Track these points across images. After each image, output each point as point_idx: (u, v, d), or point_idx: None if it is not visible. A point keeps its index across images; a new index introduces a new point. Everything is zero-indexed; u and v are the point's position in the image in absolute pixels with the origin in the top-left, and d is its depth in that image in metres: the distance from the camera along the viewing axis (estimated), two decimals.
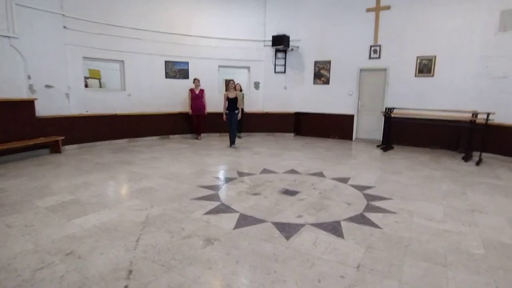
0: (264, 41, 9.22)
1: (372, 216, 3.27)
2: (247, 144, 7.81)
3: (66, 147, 6.61)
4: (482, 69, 6.69)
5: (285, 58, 9.33)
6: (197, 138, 8.56)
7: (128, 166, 5.38)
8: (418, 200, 3.80)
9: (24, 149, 5.82)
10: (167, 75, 8.50)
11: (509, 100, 6.22)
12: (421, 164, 5.87)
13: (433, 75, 7.38)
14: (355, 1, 8.18)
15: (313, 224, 3.02)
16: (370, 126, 8.60)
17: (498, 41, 6.39)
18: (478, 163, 5.91)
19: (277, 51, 9.21)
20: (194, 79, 8.24)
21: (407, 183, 4.54)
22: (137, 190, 4.03)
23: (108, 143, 7.51)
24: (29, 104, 5.91)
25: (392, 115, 7.25)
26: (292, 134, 9.57)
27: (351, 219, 3.17)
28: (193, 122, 8.52)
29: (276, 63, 9.37)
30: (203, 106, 8.35)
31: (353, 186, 4.35)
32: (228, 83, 7.33)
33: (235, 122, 7.16)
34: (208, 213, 3.29)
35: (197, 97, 8.26)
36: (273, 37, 8.84)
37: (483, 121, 5.96)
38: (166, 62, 8.41)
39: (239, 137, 8.65)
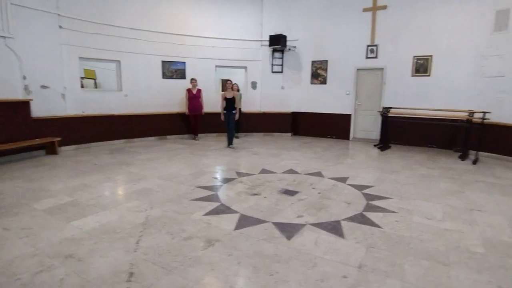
0: (261, 41, 9.21)
1: (372, 215, 3.28)
2: (245, 144, 7.80)
3: (63, 148, 6.54)
4: (478, 68, 6.75)
5: (282, 58, 9.33)
6: (194, 139, 8.53)
7: (125, 167, 5.34)
8: (417, 199, 3.81)
9: (20, 151, 5.75)
10: (164, 75, 8.45)
11: (505, 99, 6.28)
12: (418, 163, 5.90)
13: (429, 75, 7.43)
14: (352, 1, 8.20)
15: (313, 224, 3.02)
16: (367, 126, 8.63)
17: (494, 40, 6.45)
18: (474, 162, 5.96)
19: (274, 51, 9.21)
20: (191, 79, 8.20)
21: (405, 182, 4.56)
22: (135, 191, 4.00)
23: (105, 144, 7.45)
24: (24, 105, 5.84)
25: (389, 115, 7.29)
26: (289, 134, 9.57)
27: (351, 219, 3.17)
28: (190, 122, 8.49)
29: (273, 63, 9.36)
30: (200, 106, 8.31)
31: (352, 185, 4.36)
32: (225, 83, 7.32)
33: (232, 122, 7.14)
34: (208, 214, 3.27)
35: (194, 97, 8.22)
36: (270, 36, 8.84)
37: (479, 120, 6.01)
38: (163, 62, 8.36)
39: (237, 137, 8.63)
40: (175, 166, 5.40)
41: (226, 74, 10.55)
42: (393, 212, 3.39)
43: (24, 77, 5.91)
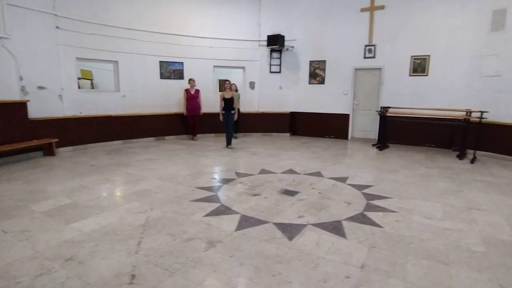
0: (259, 41, 9.21)
1: (372, 215, 3.28)
2: (244, 145, 7.79)
3: (60, 149, 6.49)
4: (475, 68, 6.80)
5: (280, 58, 9.34)
6: (192, 139, 8.51)
7: (124, 168, 5.31)
8: (417, 199, 3.83)
9: (17, 152, 5.70)
10: (162, 76, 8.42)
11: (502, 98, 6.32)
12: (417, 162, 5.93)
13: (427, 74, 7.47)
14: (349, 1, 8.22)
15: (314, 224, 3.02)
16: (365, 126, 8.66)
17: (491, 40, 6.50)
18: (472, 161, 6.00)
19: (272, 51, 9.21)
20: (190, 80, 8.18)
21: (404, 182, 4.57)
22: (135, 193, 3.98)
23: (102, 145, 7.40)
24: (21, 106, 5.79)
25: (388, 114, 7.32)
26: (288, 134, 9.58)
27: (352, 219, 3.18)
28: (189, 123, 8.46)
29: (271, 63, 9.37)
30: (198, 107, 8.29)
31: (351, 185, 4.37)
32: (224, 83, 7.30)
33: (231, 122, 7.13)
34: (208, 215, 3.26)
35: (192, 98, 8.20)
36: (268, 37, 8.84)
37: (477, 120, 6.05)
38: (160, 62, 8.33)
39: (235, 137, 8.62)
40: (174, 167, 5.38)
41: (224, 74, 10.53)
42: (393, 211, 3.40)
43: (21, 78, 5.86)
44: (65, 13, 6.52)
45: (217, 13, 8.79)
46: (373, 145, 7.81)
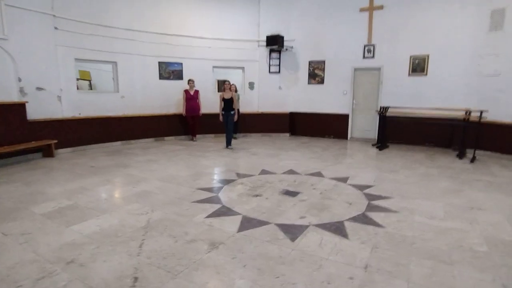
0: (258, 41, 9.20)
1: (374, 215, 3.28)
2: (243, 145, 7.78)
3: (59, 150, 6.46)
4: (474, 67, 6.81)
5: (279, 58, 9.33)
6: (192, 140, 8.49)
7: (124, 169, 5.29)
8: (418, 198, 3.83)
9: (16, 154, 5.67)
10: (161, 76, 8.40)
11: (501, 97, 6.34)
12: (417, 162, 5.93)
13: (426, 74, 7.48)
14: (348, 1, 8.22)
15: (317, 225, 3.01)
16: (364, 125, 8.67)
17: (489, 40, 6.52)
18: (472, 160, 6.01)
19: (271, 51, 9.20)
20: (189, 80, 8.16)
21: (405, 182, 4.58)
22: (135, 194, 3.96)
23: (102, 146, 7.37)
24: (20, 107, 5.75)
25: (387, 114, 7.32)
26: (287, 134, 9.57)
27: (354, 219, 3.17)
28: (188, 123, 8.44)
29: (271, 63, 9.35)
30: (198, 107, 8.27)
31: (352, 185, 4.37)
32: (223, 84, 7.29)
33: (231, 123, 7.11)
34: (210, 216, 3.25)
35: (192, 98, 8.18)
36: (267, 37, 8.83)
37: (476, 119, 6.06)
38: (159, 63, 8.30)
39: (235, 137, 8.60)
40: (174, 168, 5.37)
41: (223, 75, 10.52)
42: (395, 211, 3.40)
43: (19, 79, 5.83)
44: (64, 14, 6.48)
45: (216, 13, 8.77)
46: (372, 145, 7.82)
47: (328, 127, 9.06)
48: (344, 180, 4.64)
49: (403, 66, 7.72)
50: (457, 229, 2.96)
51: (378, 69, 8.11)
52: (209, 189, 4.16)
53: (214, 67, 9.08)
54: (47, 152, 6.16)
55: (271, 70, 9.39)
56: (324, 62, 8.85)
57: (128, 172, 5.09)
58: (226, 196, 3.88)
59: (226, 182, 4.53)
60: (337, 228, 2.95)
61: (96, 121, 7.19)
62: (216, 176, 4.93)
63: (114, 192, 4.17)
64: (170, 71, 8.49)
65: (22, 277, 2.14)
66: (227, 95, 7.00)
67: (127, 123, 7.81)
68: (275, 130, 9.55)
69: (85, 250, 2.51)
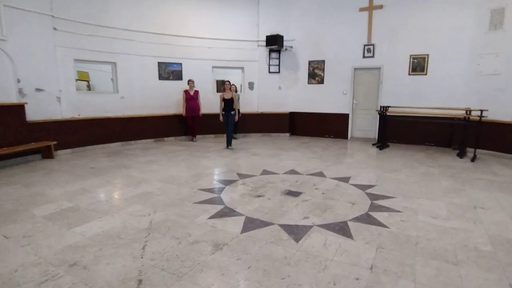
0: (258, 41, 9.19)
1: (377, 215, 3.27)
2: (244, 145, 7.76)
3: (59, 152, 6.42)
4: (474, 67, 6.82)
5: (279, 58, 9.32)
6: (192, 140, 8.46)
7: (124, 170, 5.26)
8: (420, 198, 3.82)
9: (15, 155, 5.63)
10: (161, 77, 8.37)
11: (501, 97, 6.35)
12: (418, 161, 5.93)
13: (426, 73, 7.49)
14: (348, 0, 8.22)
15: (320, 225, 3.00)
16: (365, 125, 8.67)
17: (489, 39, 6.53)
18: (473, 159, 6.02)
19: (271, 51, 9.19)
20: (189, 80, 8.13)
21: (406, 181, 4.57)
22: (137, 195, 3.93)
23: (101, 147, 7.34)
24: (19, 109, 5.71)
25: (387, 114, 7.32)
26: (287, 134, 9.56)
27: (358, 219, 3.16)
28: (188, 124, 8.42)
29: (270, 63, 9.34)
30: (198, 108, 8.25)
31: (354, 185, 4.36)
32: (223, 84, 7.27)
33: (231, 123, 7.09)
34: (212, 217, 3.23)
35: (191, 99, 8.15)
36: (267, 37, 8.81)
37: (477, 118, 6.07)
38: (159, 63, 8.27)
39: (235, 138, 8.58)
40: (175, 169, 5.34)
41: (222, 75, 10.50)
42: (398, 211, 3.39)
43: (18, 80, 5.79)
44: (63, 14, 6.45)
45: (215, 13, 8.75)
46: (373, 144, 7.82)
47: (328, 127, 9.05)
48: (345, 180, 4.63)
49: (403, 65, 7.72)
50: (461, 229, 2.96)
51: (378, 68, 8.11)
52: (211, 190, 4.14)
53: (213, 67, 9.06)
54: (47, 154, 6.12)
55: (270, 70, 9.38)
56: (324, 61, 8.85)
57: (128, 173, 5.06)
58: (228, 197, 3.86)
59: (228, 182, 4.51)
60: (341, 228, 2.94)
61: (95, 122, 7.16)
62: (217, 177, 4.91)
63: (115, 194, 4.14)
64: (169, 71, 8.46)
65: (25, 280, 2.11)
66: (227, 95, 6.98)
67: (127, 124, 7.78)
68: (275, 130, 9.54)
69: (88, 253, 2.49)
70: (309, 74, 9.13)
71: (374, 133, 8.31)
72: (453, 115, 6.74)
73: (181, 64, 8.57)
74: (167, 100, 8.46)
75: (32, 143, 5.85)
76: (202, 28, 8.64)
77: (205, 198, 3.82)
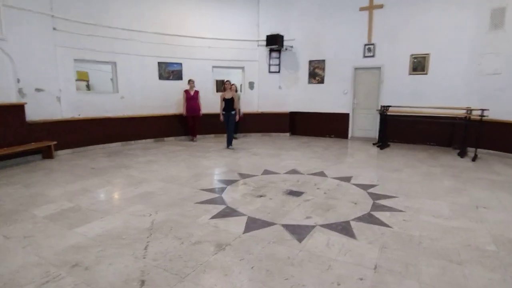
0: (258, 41, 9.17)
1: (379, 215, 3.26)
2: (244, 145, 7.74)
3: (59, 152, 6.39)
4: (475, 66, 6.82)
5: (279, 58, 9.31)
6: (192, 140, 8.44)
7: (125, 170, 5.24)
8: (422, 198, 3.81)
9: (15, 156, 5.60)
10: (161, 77, 8.35)
11: (501, 96, 6.34)
12: (419, 161, 5.92)
13: (426, 73, 7.48)
14: (348, 0, 8.20)
15: (323, 225, 2.99)
16: (365, 125, 8.66)
17: (490, 39, 6.52)
18: (474, 159, 6.01)
19: (271, 50, 9.17)
20: (189, 80, 8.11)
21: (408, 181, 4.56)
22: (138, 195, 3.92)
23: (101, 147, 7.31)
24: (18, 109, 5.68)
25: (388, 113, 7.31)
26: (287, 134, 9.55)
27: (360, 219, 3.15)
28: (188, 124, 8.40)
29: (271, 63, 9.33)
30: (198, 108, 8.23)
31: (356, 185, 4.35)
32: (224, 84, 7.25)
33: (232, 123, 7.08)
34: (214, 217, 3.22)
35: (192, 98, 8.13)
36: (267, 36, 8.80)
37: (478, 118, 6.06)
38: (159, 63, 8.25)
39: (235, 138, 8.56)
40: (175, 168, 5.32)
41: (222, 75, 10.49)
42: (400, 211, 3.38)
43: (18, 80, 5.76)
44: (63, 14, 6.42)
45: (215, 13, 8.73)
46: (373, 144, 7.81)
47: (328, 126, 9.04)
48: (347, 179, 4.62)
49: (404, 65, 7.71)
50: (464, 228, 2.95)
51: (379, 68, 8.10)
52: (212, 190, 4.12)
53: (214, 67, 9.04)
54: (47, 154, 6.10)
55: (271, 70, 9.37)
56: (324, 61, 8.84)
57: (128, 173, 5.04)
58: (229, 197, 3.85)
59: (229, 182, 4.49)
60: (344, 228, 2.93)
61: (95, 122, 7.13)
62: (218, 177, 4.89)
63: (116, 194, 4.12)
64: (169, 71, 8.44)
65: (27, 281, 2.10)
66: (228, 95, 6.96)
67: (127, 124, 7.75)
68: (275, 130, 9.52)
69: (90, 253, 2.47)
70: (309, 74, 9.12)
71: (374, 133, 8.30)
72: (453, 114, 6.74)
73: (181, 64, 8.55)
74: (167, 100, 8.44)
75: (32, 143, 5.82)
76: (202, 28, 8.62)
77: (207, 198, 3.81)
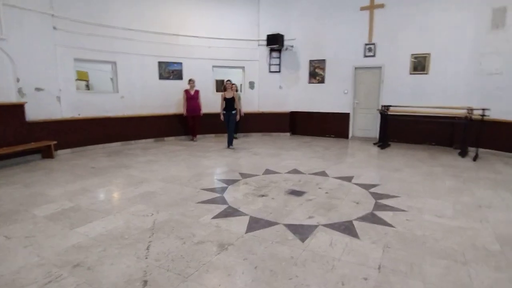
0: (258, 40, 9.15)
1: (382, 214, 3.24)
2: (244, 145, 7.73)
3: (59, 151, 6.36)
4: (476, 66, 6.81)
5: (279, 58, 9.29)
6: (192, 140, 8.42)
7: (125, 170, 5.22)
8: (425, 197, 3.80)
9: (15, 155, 5.57)
10: (161, 76, 8.32)
11: (502, 96, 6.34)
12: (420, 161, 5.91)
13: (427, 73, 7.47)
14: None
15: (325, 225, 2.97)
16: (366, 124, 8.65)
17: (491, 38, 6.52)
18: (474, 158, 6.00)
19: (271, 50, 9.16)
20: (189, 80, 8.09)
21: (410, 180, 4.55)
22: (138, 195, 3.89)
23: (101, 147, 7.29)
24: (18, 108, 5.66)
25: (388, 113, 7.30)
26: (288, 134, 9.53)
27: (363, 219, 3.13)
28: (189, 124, 8.37)
29: (271, 63, 9.32)
30: (198, 107, 8.20)
31: (358, 184, 4.33)
32: (225, 83, 7.23)
33: (232, 122, 7.06)
34: (216, 217, 3.20)
35: (192, 98, 8.11)
36: (268, 36, 8.79)
37: (479, 117, 6.05)
38: (159, 63, 8.23)
39: (236, 137, 8.54)
40: (176, 168, 5.30)
41: (222, 75, 10.46)
42: (403, 210, 3.36)
43: (18, 80, 5.73)
44: (63, 14, 6.40)
45: (216, 13, 8.71)
46: (374, 144, 7.80)
47: (329, 126, 9.03)
48: (348, 179, 4.60)
49: (404, 64, 7.71)
50: (467, 228, 2.93)
51: (379, 68, 8.09)
52: (213, 190, 4.11)
53: (214, 66, 9.02)
54: (47, 153, 6.07)
55: (271, 70, 9.35)
56: (324, 61, 8.82)
57: (129, 173, 5.02)
58: (231, 197, 3.83)
59: (230, 182, 4.48)
60: (347, 228, 2.91)
61: (95, 122, 7.11)
62: (219, 176, 4.87)
63: (116, 193, 4.09)
64: (170, 71, 8.42)
65: (29, 282, 2.07)
66: (229, 95, 6.94)
67: (127, 124, 7.73)
68: (275, 129, 9.51)
69: (92, 253, 2.45)
70: (309, 74, 9.10)
71: (375, 133, 8.29)
72: (454, 114, 6.73)
73: (181, 63, 8.53)
74: (167, 99, 8.41)
75: (32, 143, 5.79)
76: (202, 28, 8.60)
77: (208, 197, 3.79)
